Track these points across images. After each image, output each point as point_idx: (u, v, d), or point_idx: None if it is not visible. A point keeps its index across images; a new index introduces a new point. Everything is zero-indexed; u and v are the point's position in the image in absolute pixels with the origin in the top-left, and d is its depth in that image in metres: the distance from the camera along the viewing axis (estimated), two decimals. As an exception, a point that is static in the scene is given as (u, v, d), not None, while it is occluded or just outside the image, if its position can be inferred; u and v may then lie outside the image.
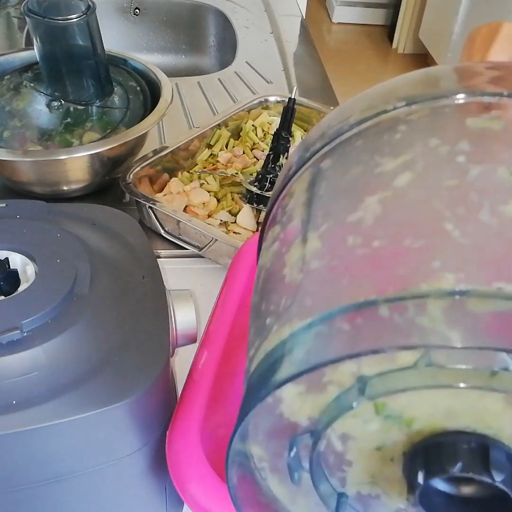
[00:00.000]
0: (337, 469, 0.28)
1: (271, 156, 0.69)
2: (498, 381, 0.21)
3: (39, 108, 0.73)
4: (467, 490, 0.26)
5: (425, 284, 0.22)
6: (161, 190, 0.72)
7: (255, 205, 0.68)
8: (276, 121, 0.84)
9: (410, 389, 0.23)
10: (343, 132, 0.31)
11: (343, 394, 0.24)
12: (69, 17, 0.68)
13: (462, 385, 0.22)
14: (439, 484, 0.26)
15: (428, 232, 0.24)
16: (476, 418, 0.24)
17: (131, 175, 0.68)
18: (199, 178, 0.74)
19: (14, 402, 0.33)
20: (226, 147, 0.80)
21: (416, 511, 0.27)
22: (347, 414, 0.24)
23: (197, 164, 0.77)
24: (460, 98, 0.29)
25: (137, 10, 1.22)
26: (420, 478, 0.24)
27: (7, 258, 0.39)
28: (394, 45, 3.08)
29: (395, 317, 0.22)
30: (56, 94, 0.73)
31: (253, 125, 0.84)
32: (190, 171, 0.76)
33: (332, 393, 0.24)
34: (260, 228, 0.37)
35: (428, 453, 0.25)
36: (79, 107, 0.74)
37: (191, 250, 0.67)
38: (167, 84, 0.75)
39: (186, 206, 0.70)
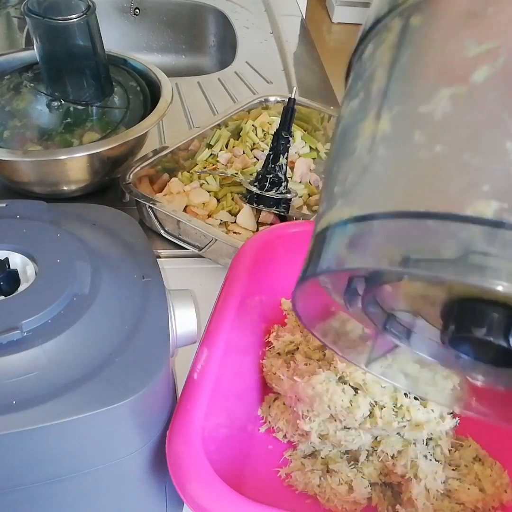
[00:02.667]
0: (389, 302, 0.32)
1: (271, 156, 0.69)
2: None
3: (39, 108, 0.73)
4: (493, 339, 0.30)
5: (470, 209, 0.23)
6: (161, 190, 0.72)
7: (255, 205, 0.68)
8: (276, 121, 0.84)
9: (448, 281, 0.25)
10: None
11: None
12: (69, 17, 0.68)
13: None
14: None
15: (488, 149, 0.24)
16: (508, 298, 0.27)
17: (131, 175, 0.68)
18: (199, 178, 0.74)
19: (14, 402, 0.33)
20: (226, 147, 0.80)
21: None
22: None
23: (197, 164, 0.77)
24: None
25: (137, 10, 1.22)
26: (450, 330, 0.28)
27: (7, 258, 0.39)
28: (394, 45, 3.07)
29: (440, 227, 0.23)
30: (56, 94, 0.73)
31: (253, 125, 0.84)
32: (190, 171, 0.76)
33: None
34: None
35: (461, 311, 0.28)
36: (79, 107, 0.74)
37: (191, 250, 0.67)
38: (167, 84, 0.75)
39: (186, 206, 0.70)
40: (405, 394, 0.45)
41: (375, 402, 0.44)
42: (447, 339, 0.30)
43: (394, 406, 0.44)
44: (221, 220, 0.69)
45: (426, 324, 0.34)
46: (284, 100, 0.85)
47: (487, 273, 0.22)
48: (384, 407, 0.44)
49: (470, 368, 0.36)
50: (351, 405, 0.45)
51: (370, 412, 0.45)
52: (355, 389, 0.45)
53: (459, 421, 0.46)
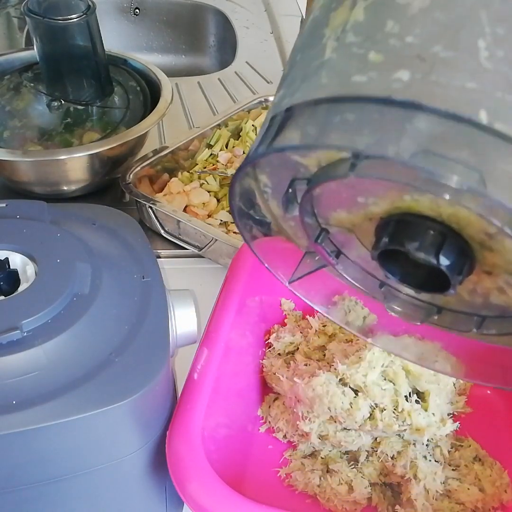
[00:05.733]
0: (325, 211, 0.33)
1: (271, 156, 0.69)
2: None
3: (39, 108, 0.73)
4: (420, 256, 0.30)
5: (437, 101, 0.23)
6: (161, 190, 0.72)
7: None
8: (276, 121, 0.84)
9: (397, 181, 0.25)
10: None
11: (337, 163, 0.27)
12: (69, 17, 0.68)
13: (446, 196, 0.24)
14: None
15: (460, 45, 0.24)
16: (450, 215, 0.27)
17: (131, 175, 0.68)
18: (199, 178, 0.74)
19: (14, 402, 0.33)
20: (226, 147, 0.80)
21: (376, 263, 0.32)
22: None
23: (197, 164, 0.77)
24: None
25: (137, 10, 1.22)
26: (383, 243, 0.29)
27: (7, 258, 0.39)
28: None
29: (390, 116, 0.24)
30: (56, 94, 0.73)
31: (253, 125, 0.83)
32: (190, 171, 0.76)
33: (331, 157, 0.27)
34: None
35: (397, 226, 0.29)
36: (79, 107, 0.74)
37: (191, 250, 0.67)
38: (167, 84, 0.75)
39: (186, 206, 0.70)
40: (406, 398, 0.45)
41: (376, 404, 0.44)
42: (377, 254, 0.30)
43: (395, 409, 0.44)
44: (221, 220, 0.69)
45: (357, 243, 0.34)
46: (284, 100, 0.85)
47: (440, 169, 0.22)
48: (385, 409, 0.44)
49: (391, 298, 0.37)
50: (351, 407, 0.45)
51: (370, 414, 0.45)
52: (356, 391, 0.45)
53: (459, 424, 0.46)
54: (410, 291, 0.35)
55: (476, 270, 0.30)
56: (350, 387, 0.46)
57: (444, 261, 0.28)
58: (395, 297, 0.37)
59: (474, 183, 0.22)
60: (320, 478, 0.47)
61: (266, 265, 0.37)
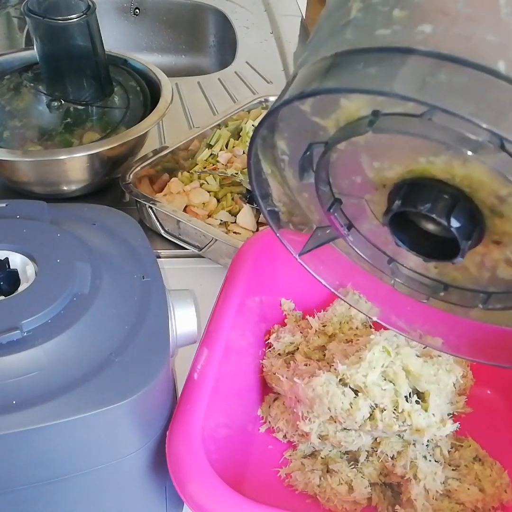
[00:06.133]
0: (340, 178, 0.33)
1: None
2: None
3: (39, 108, 0.73)
4: (429, 226, 0.32)
5: (448, 49, 0.24)
6: (161, 190, 0.72)
7: (255, 205, 0.68)
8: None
9: (412, 134, 0.26)
10: None
11: (356, 122, 0.28)
12: (69, 17, 0.68)
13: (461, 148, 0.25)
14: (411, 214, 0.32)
15: (481, 1, 0.25)
16: (463, 177, 0.28)
17: (131, 175, 0.68)
18: (199, 178, 0.74)
19: (14, 402, 0.33)
20: (226, 147, 0.80)
21: (386, 230, 0.33)
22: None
23: (197, 164, 0.77)
24: None
25: (137, 10, 1.22)
26: (395, 205, 0.29)
27: (7, 258, 0.39)
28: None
29: (413, 66, 0.24)
30: (56, 94, 0.73)
31: (253, 125, 0.83)
32: (190, 171, 0.76)
33: (350, 116, 0.28)
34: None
35: (410, 189, 0.29)
36: (79, 107, 0.74)
37: (191, 250, 0.67)
38: (167, 84, 0.75)
39: (186, 206, 0.70)
40: (406, 398, 0.45)
41: (376, 404, 0.44)
42: (388, 219, 0.30)
43: (395, 410, 0.44)
44: (221, 220, 0.69)
45: (369, 216, 0.34)
46: (284, 100, 0.85)
47: (459, 120, 0.23)
48: (385, 410, 0.44)
49: (398, 274, 0.37)
50: (351, 407, 0.45)
51: (371, 415, 0.45)
52: (356, 391, 0.45)
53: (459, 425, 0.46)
54: (418, 267, 0.36)
55: (484, 241, 0.30)
56: (350, 387, 0.46)
57: (454, 223, 0.28)
58: (402, 274, 0.37)
59: (493, 134, 0.23)
60: (320, 478, 0.47)
61: (277, 234, 0.38)
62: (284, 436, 0.50)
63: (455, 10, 0.25)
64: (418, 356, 0.46)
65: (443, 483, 0.45)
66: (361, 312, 0.41)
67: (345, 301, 0.41)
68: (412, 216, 0.32)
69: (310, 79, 0.27)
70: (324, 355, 0.52)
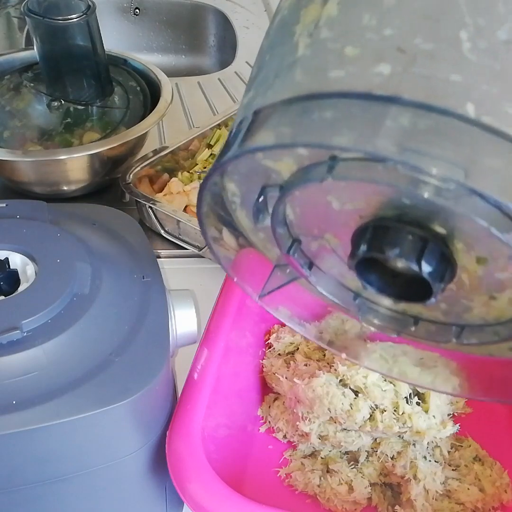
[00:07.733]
0: (298, 220, 0.31)
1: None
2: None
3: (39, 108, 0.73)
4: (397, 264, 0.30)
5: (410, 92, 0.22)
6: (161, 190, 0.72)
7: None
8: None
9: (377, 182, 0.24)
10: None
11: (313, 166, 0.25)
12: (69, 17, 0.68)
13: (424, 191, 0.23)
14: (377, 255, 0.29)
15: (441, 37, 0.23)
16: (431, 215, 0.26)
17: (131, 175, 0.68)
18: (199, 178, 0.74)
19: (14, 402, 0.33)
20: (226, 147, 0.80)
21: (352, 274, 0.30)
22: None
23: (197, 164, 0.77)
24: None
25: (137, 10, 1.22)
26: (361, 251, 0.27)
27: (7, 258, 0.39)
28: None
29: (372, 111, 0.22)
30: (56, 94, 0.73)
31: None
32: (190, 171, 0.76)
33: (304, 160, 0.26)
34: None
35: (375, 232, 0.27)
36: (79, 107, 0.74)
37: (191, 250, 0.67)
38: (167, 84, 0.75)
39: (186, 206, 0.70)
40: (406, 400, 0.45)
41: (376, 405, 0.44)
42: (355, 264, 0.28)
43: (395, 411, 0.44)
44: (221, 220, 0.69)
45: (331, 254, 0.32)
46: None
47: (422, 158, 0.21)
48: (385, 411, 0.44)
49: (365, 310, 0.35)
50: (351, 408, 0.44)
51: (371, 416, 0.45)
52: (356, 392, 0.45)
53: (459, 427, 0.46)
54: (385, 303, 0.34)
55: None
56: (350, 388, 0.46)
57: (426, 268, 0.26)
58: (369, 309, 0.35)
59: (460, 178, 0.21)
60: (320, 478, 0.47)
61: (235, 279, 0.36)
62: (284, 436, 0.50)
63: (413, 46, 0.23)
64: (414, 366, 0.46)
65: (443, 483, 0.45)
66: (326, 347, 0.40)
67: (312, 340, 0.40)
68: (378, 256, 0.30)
69: (254, 131, 0.25)
70: (324, 355, 0.52)
